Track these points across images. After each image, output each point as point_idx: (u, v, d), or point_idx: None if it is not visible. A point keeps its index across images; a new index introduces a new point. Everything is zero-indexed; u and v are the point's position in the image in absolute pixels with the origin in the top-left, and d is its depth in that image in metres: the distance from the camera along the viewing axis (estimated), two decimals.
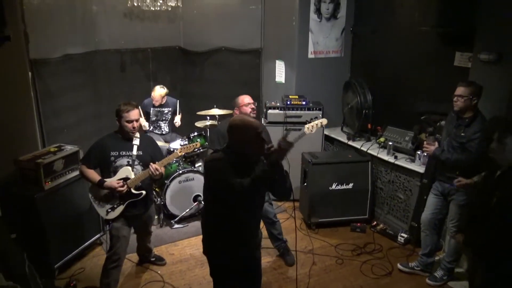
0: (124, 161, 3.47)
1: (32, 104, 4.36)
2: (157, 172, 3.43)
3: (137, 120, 3.47)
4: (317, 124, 3.95)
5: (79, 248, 4.13)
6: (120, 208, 3.46)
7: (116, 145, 3.48)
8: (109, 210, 3.46)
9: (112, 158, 3.44)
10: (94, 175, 3.44)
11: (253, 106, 4.09)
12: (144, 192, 3.52)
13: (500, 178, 2.52)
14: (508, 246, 2.57)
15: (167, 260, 4.19)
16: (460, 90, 3.41)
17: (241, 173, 2.45)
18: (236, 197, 2.46)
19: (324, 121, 4.08)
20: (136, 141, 3.52)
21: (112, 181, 3.39)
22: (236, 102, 4.11)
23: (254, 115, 4.03)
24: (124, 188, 3.39)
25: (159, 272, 4.02)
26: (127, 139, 3.51)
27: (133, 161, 3.48)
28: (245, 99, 4.10)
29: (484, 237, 2.52)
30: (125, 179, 3.42)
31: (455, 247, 3.74)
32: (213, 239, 2.71)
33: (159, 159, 3.58)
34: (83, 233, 4.18)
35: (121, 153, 3.47)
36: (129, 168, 3.45)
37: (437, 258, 4.05)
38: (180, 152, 3.79)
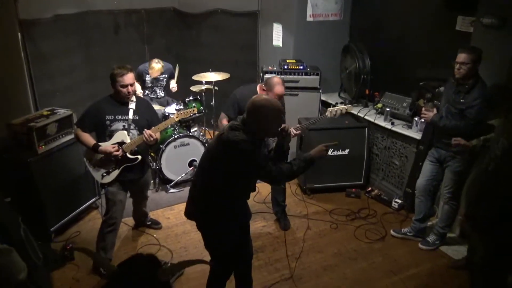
0: (119, 125, 3.42)
1: (23, 66, 4.27)
2: (151, 139, 3.38)
3: (132, 84, 3.39)
4: (341, 110, 3.78)
5: (75, 211, 4.15)
6: (115, 173, 3.45)
7: (112, 109, 3.41)
8: (104, 174, 3.45)
9: (108, 122, 3.39)
10: (89, 139, 3.39)
11: (281, 97, 3.76)
12: (139, 157, 3.49)
13: None
14: None
15: (162, 224, 4.23)
16: (463, 57, 3.31)
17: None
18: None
19: (350, 107, 3.91)
20: (132, 105, 3.46)
21: (107, 146, 3.35)
22: (270, 85, 3.67)
23: None
24: (120, 153, 3.36)
25: (155, 235, 4.06)
26: (123, 103, 3.44)
27: (129, 125, 3.44)
28: (281, 92, 3.65)
29: (491, 212, 2.49)
30: (121, 143, 3.39)
31: (448, 213, 3.78)
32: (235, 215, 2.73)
33: (156, 124, 3.53)
34: (78, 197, 4.19)
35: (116, 117, 3.41)
36: (125, 132, 3.41)
37: (429, 223, 4.10)
38: (176, 117, 3.74)
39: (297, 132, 3.77)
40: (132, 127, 3.45)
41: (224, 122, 3.83)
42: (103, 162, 3.43)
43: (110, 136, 3.41)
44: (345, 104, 3.80)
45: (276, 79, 3.72)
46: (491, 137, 3.12)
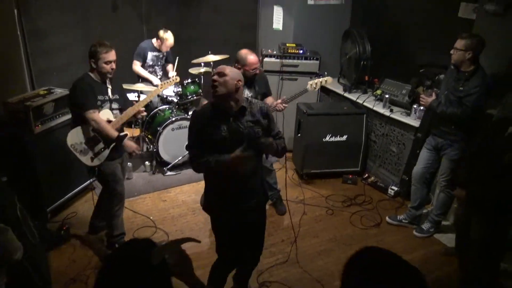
0: (107, 105, 3.33)
1: (19, 43, 4.20)
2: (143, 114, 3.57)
3: (114, 61, 3.27)
4: (321, 82, 3.80)
5: (71, 192, 4.14)
6: (106, 153, 3.36)
7: (100, 89, 3.29)
8: (93, 157, 3.34)
9: (99, 103, 3.27)
10: (111, 128, 3.24)
11: (257, 70, 3.59)
12: (127, 133, 3.46)
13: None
14: None
15: (159, 206, 4.24)
16: (457, 43, 3.34)
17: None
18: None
19: (329, 79, 3.92)
20: (109, 83, 3.36)
21: (131, 142, 3.38)
22: (242, 59, 3.49)
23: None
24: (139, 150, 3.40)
25: (151, 218, 4.07)
26: (104, 81, 3.33)
27: (111, 104, 3.36)
28: (254, 62, 3.50)
29: (494, 194, 2.54)
30: (107, 122, 3.31)
31: (444, 201, 3.80)
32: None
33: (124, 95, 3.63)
34: (75, 178, 4.16)
35: (104, 97, 3.31)
36: (109, 111, 3.34)
37: (425, 211, 4.13)
38: (161, 87, 3.89)
39: (282, 104, 3.72)
40: (114, 106, 3.38)
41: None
42: (91, 144, 3.31)
43: None
44: (324, 77, 3.85)
45: (244, 50, 3.52)
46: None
